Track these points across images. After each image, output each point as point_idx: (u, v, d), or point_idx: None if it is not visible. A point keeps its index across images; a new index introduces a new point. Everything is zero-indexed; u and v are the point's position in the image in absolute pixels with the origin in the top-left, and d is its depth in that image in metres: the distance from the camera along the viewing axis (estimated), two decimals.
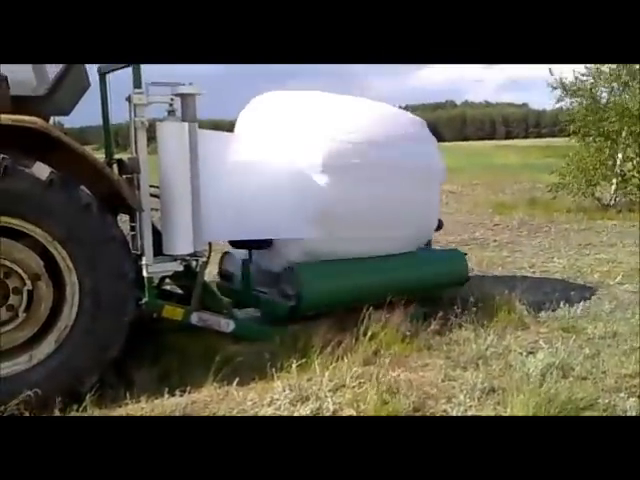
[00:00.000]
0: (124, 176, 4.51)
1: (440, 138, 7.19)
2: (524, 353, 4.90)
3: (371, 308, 5.02)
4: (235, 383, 4.30)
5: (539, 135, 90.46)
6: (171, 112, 4.70)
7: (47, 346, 4.14)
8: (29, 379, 4.00)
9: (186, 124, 4.67)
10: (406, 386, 4.34)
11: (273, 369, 4.44)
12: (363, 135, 5.43)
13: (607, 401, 4.09)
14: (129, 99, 4.58)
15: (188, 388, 4.24)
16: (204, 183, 4.75)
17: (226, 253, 6.10)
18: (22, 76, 4.21)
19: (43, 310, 4.13)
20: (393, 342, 4.95)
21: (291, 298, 5.26)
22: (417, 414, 3.98)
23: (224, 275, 6.11)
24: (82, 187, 4.13)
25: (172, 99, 4.68)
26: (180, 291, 5.42)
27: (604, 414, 3.93)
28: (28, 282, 4.06)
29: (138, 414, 4.03)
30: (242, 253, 5.82)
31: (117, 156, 5.02)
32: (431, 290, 6.16)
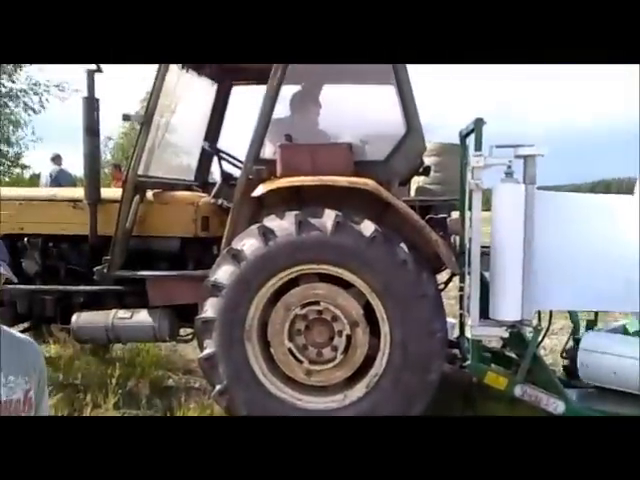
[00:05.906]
0: (445, 236, 4.61)
1: None
2: None
3: None
4: None
5: None
6: (509, 174, 4.63)
7: (359, 389, 4.46)
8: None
9: (523, 186, 4.54)
10: None
11: None
12: None
13: None
14: (466, 162, 4.68)
15: None
16: (538, 247, 4.51)
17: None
18: (363, 142, 4.69)
19: (359, 355, 4.46)
20: None
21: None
22: None
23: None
24: (402, 244, 4.37)
25: (510, 161, 4.61)
26: (514, 356, 5.17)
27: None
28: (347, 327, 4.46)
29: None
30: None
31: (441, 215, 5.14)
32: None
